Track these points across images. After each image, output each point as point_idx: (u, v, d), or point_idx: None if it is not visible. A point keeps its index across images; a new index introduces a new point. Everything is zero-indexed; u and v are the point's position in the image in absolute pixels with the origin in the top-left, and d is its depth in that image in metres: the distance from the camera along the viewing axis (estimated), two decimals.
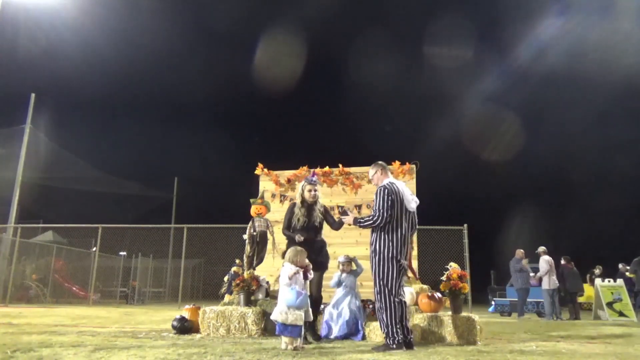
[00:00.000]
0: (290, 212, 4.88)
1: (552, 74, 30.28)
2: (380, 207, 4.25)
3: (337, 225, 4.97)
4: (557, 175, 33.82)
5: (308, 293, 4.38)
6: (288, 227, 4.85)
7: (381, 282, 4.20)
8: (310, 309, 4.22)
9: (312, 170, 5.05)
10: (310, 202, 4.83)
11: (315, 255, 4.66)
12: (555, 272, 10.90)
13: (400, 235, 4.29)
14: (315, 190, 4.87)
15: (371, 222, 4.30)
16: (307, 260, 4.36)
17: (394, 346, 4.03)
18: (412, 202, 4.46)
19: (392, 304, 4.13)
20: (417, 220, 4.58)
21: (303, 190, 4.88)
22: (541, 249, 11.27)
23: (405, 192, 4.47)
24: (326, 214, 5.00)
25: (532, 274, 11.22)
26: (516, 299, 11.76)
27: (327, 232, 6.54)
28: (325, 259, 4.89)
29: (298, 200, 4.89)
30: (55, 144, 16.95)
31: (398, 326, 4.09)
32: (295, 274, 4.17)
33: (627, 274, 11.07)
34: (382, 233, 4.29)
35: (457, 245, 11.25)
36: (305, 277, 4.29)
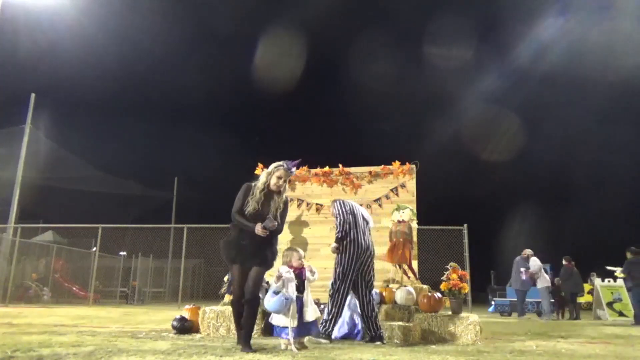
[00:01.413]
0: (245, 194, 4.15)
1: (552, 74, 30.29)
2: (340, 213, 4.96)
3: (279, 230, 4.21)
4: (557, 175, 33.86)
5: (307, 295, 4.28)
6: (240, 211, 4.12)
7: (339, 281, 4.76)
8: (296, 313, 4.05)
9: (295, 163, 4.29)
10: (272, 190, 4.17)
11: (257, 249, 4.03)
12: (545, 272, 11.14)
13: (360, 248, 4.86)
14: (284, 181, 4.19)
15: (340, 227, 4.89)
16: (300, 261, 4.27)
17: (323, 335, 4.61)
18: (369, 217, 5.23)
19: (342, 303, 4.76)
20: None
21: (271, 175, 4.16)
22: (529, 251, 11.43)
23: (361, 209, 5.24)
24: (283, 211, 4.23)
25: (522, 269, 11.27)
26: (516, 299, 11.81)
27: (326, 233, 6.57)
28: (269, 255, 4.13)
29: (260, 183, 4.17)
30: (55, 144, 16.93)
31: (334, 321, 4.73)
32: (279, 277, 4.08)
33: (617, 273, 10.98)
34: (345, 243, 4.84)
35: (457, 245, 11.24)
36: (301, 278, 4.19)
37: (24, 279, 14.86)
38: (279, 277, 4.09)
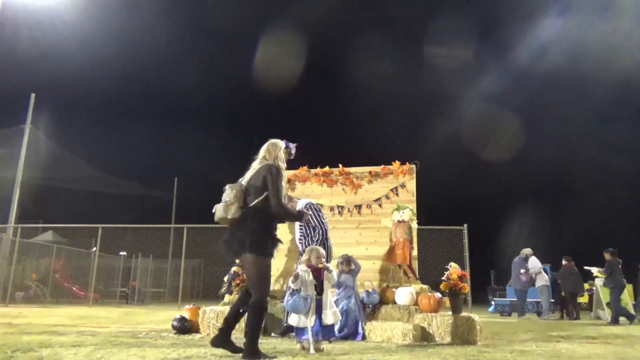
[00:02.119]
0: (281, 179, 3.73)
1: (552, 74, 30.32)
2: (317, 221, 5.60)
3: None
4: (557, 175, 33.84)
5: (327, 296, 4.06)
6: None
7: None
8: (314, 314, 3.91)
9: (295, 145, 4.01)
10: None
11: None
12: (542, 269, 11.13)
13: (331, 251, 5.64)
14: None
15: (324, 235, 5.63)
16: (318, 259, 4.04)
17: None
18: None
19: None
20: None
21: (281, 156, 3.87)
22: (528, 251, 11.44)
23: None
24: None
25: (522, 270, 11.25)
26: (516, 299, 11.82)
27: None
28: None
29: (283, 164, 3.87)
30: (55, 144, 16.94)
31: None
32: (297, 276, 3.95)
33: (595, 273, 10.77)
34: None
35: (457, 245, 11.24)
36: (319, 278, 4.00)
37: (24, 279, 14.87)
38: (297, 276, 3.94)
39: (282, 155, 3.86)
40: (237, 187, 3.66)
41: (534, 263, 11.16)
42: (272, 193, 3.60)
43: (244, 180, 3.73)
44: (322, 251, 4.14)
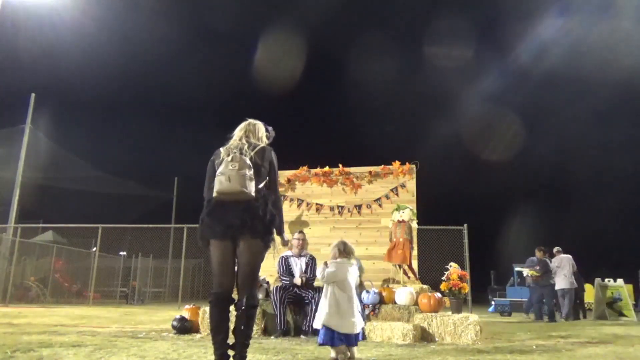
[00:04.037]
0: None
1: (552, 74, 30.35)
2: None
3: None
4: (557, 174, 33.90)
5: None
6: None
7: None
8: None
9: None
10: None
11: None
12: (565, 271, 10.58)
13: None
14: None
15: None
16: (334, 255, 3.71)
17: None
18: None
19: None
20: None
21: (265, 140, 3.45)
22: (555, 249, 11.28)
23: None
24: None
25: (557, 267, 10.87)
26: (516, 299, 11.80)
27: (327, 233, 6.57)
28: None
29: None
30: (55, 144, 16.95)
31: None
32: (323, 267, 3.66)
33: (530, 272, 10.09)
34: None
35: (457, 245, 11.23)
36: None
37: (24, 279, 14.87)
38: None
39: (265, 139, 3.41)
40: (249, 162, 3.07)
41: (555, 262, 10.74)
42: (276, 184, 3.27)
43: (246, 156, 3.12)
44: (345, 246, 3.66)
